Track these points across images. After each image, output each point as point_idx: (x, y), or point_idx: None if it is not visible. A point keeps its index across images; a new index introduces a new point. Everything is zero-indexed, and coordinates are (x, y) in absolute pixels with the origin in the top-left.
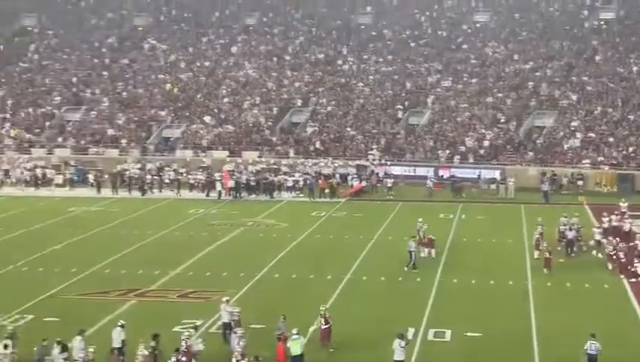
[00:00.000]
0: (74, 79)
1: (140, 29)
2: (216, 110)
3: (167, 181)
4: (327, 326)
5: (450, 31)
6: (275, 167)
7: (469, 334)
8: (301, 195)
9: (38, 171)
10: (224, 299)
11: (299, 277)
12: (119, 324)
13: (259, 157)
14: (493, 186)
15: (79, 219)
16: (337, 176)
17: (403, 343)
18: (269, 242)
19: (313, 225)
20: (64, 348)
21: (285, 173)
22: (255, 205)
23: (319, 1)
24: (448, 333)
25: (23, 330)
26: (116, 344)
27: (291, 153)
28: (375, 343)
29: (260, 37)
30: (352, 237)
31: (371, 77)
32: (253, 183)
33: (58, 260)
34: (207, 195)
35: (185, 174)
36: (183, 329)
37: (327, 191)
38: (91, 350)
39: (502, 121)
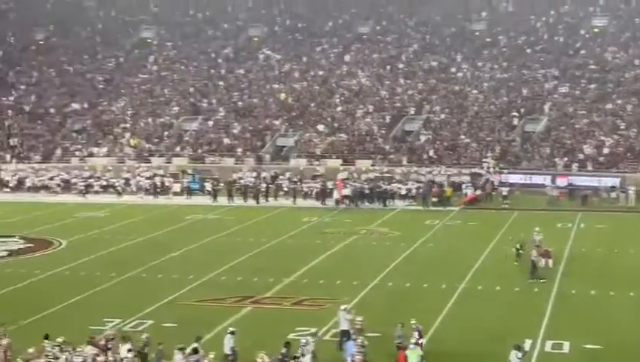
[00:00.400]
0: (191, 89)
1: (255, 39)
2: (329, 119)
3: (285, 189)
4: (420, 339)
5: (568, 36)
6: (388, 175)
7: (588, 346)
8: (414, 203)
9: (157, 180)
10: (342, 306)
11: (413, 286)
12: (230, 331)
13: (372, 165)
14: (613, 194)
15: (196, 226)
16: (445, 184)
17: (520, 354)
18: (382, 250)
19: (427, 233)
20: (195, 351)
21: (398, 182)
22: (368, 213)
23: (434, 9)
24: (566, 345)
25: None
26: (227, 350)
27: (404, 161)
28: (491, 354)
29: (374, 45)
30: (467, 246)
31: (486, 84)
32: (366, 191)
33: (176, 267)
34: (323, 203)
35: (299, 183)
36: (297, 336)
37: (435, 199)
38: (212, 356)
39: (622, 127)
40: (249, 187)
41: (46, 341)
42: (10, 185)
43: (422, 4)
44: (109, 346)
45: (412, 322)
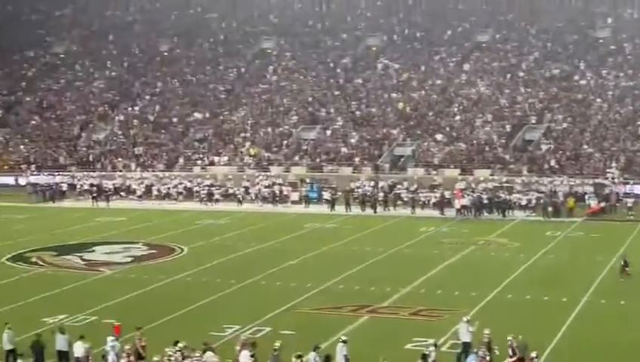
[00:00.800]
0: (310, 99)
1: (374, 48)
2: (447, 128)
3: (404, 199)
4: (514, 358)
5: None
6: (508, 185)
7: None
8: (533, 214)
9: (276, 188)
10: (465, 318)
11: (533, 299)
12: (342, 340)
13: (491, 175)
14: None
15: (314, 235)
16: (560, 194)
17: None
18: (501, 262)
19: (547, 245)
20: (327, 359)
21: (519, 192)
22: (487, 224)
23: (555, 15)
24: None
25: (260, 342)
26: (339, 359)
27: (524, 171)
28: None
29: (493, 53)
30: (589, 259)
31: (610, 92)
32: (485, 201)
33: (294, 275)
34: (442, 213)
35: (417, 192)
36: (414, 347)
37: (551, 210)
38: None
39: None
40: (367, 196)
41: (177, 346)
42: (138, 193)
43: (543, 11)
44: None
45: (508, 339)
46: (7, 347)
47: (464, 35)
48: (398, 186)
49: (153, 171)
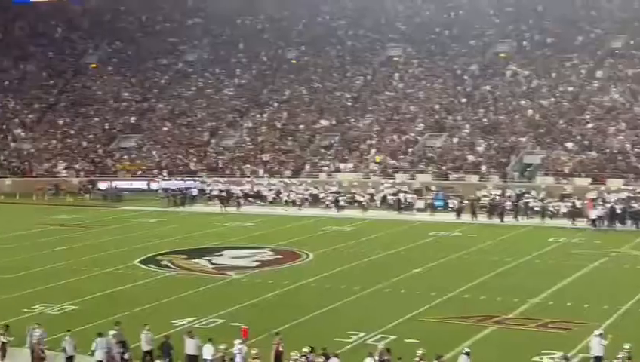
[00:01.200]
0: (436, 106)
1: (503, 55)
2: (579, 136)
3: (536, 209)
4: None
5: None
6: None
7: None
8: None
9: (401, 196)
10: (597, 331)
11: None
12: (464, 352)
13: (624, 184)
14: None
15: (439, 243)
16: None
17: None
18: (634, 274)
19: None
20: None
21: None
22: (620, 235)
23: None
24: None
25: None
26: None
27: None
28: None
29: (627, 60)
30: None
31: None
32: (618, 212)
33: (419, 283)
34: (573, 223)
35: (546, 201)
36: (542, 359)
37: None
38: None
39: None
40: (493, 205)
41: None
42: (269, 199)
43: None
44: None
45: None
46: (146, 348)
47: (597, 41)
48: (526, 195)
49: (280, 177)
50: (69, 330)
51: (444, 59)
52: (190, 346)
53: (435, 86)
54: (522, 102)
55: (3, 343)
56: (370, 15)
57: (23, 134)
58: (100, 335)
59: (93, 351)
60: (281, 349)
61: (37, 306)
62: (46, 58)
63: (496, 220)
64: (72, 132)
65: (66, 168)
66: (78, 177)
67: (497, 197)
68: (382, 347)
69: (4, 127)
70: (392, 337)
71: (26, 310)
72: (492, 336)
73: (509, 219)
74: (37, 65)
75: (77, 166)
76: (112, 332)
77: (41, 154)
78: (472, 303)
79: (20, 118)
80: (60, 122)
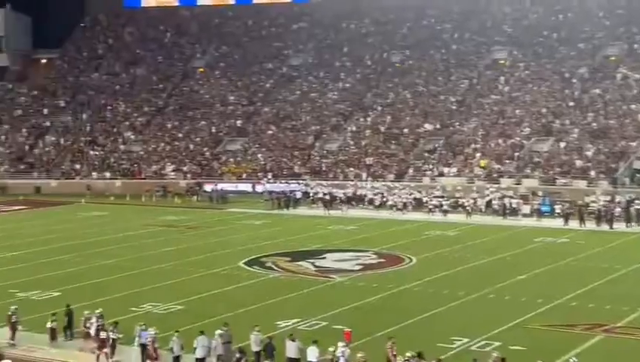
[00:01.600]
0: (543, 110)
1: (613, 58)
2: None
3: None
4: None
5: None
6: None
7: None
8: None
9: (506, 201)
10: None
11: None
12: (572, 361)
13: None
14: None
15: (545, 249)
16: None
17: None
18: None
19: None
20: None
21: None
22: None
23: None
24: None
25: (479, 355)
26: None
27: None
28: None
29: None
30: None
31: None
32: None
33: (524, 289)
34: None
35: None
36: None
37: None
38: None
39: None
40: (602, 211)
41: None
42: (377, 202)
43: None
44: None
45: None
46: (255, 349)
47: None
48: (636, 201)
49: (383, 181)
50: (177, 331)
51: (552, 62)
52: (291, 349)
53: (542, 89)
54: (633, 106)
55: (113, 340)
56: (475, 18)
57: (132, 137)
58: (202, 333)
59: (195, 349)
60: (394, 353)
61: (144, 305)
62: (155, 62)
63: (605, 227)
64: (180, 135)
65: (173, 170)
66: (185, 179)
67: (606, 203)
68: (496, 355)
69: (115, 130)
70: (497, 344)
71: (133, 309)
72: (600, 345)
73: (618, 226)
74: (146, 70)
75: (184, 168)
76: (218, 332)
77: (149, 157)
78: (579, 311)
79: (130, 121)
80: (169, 125)
